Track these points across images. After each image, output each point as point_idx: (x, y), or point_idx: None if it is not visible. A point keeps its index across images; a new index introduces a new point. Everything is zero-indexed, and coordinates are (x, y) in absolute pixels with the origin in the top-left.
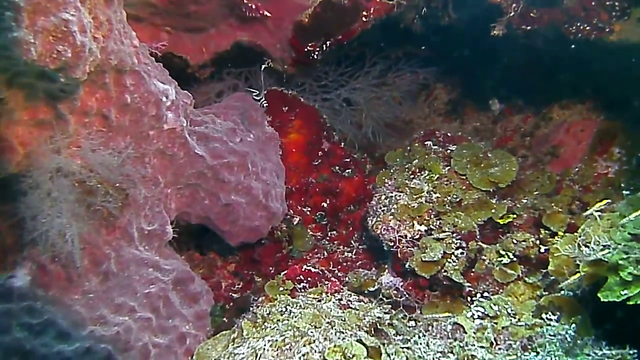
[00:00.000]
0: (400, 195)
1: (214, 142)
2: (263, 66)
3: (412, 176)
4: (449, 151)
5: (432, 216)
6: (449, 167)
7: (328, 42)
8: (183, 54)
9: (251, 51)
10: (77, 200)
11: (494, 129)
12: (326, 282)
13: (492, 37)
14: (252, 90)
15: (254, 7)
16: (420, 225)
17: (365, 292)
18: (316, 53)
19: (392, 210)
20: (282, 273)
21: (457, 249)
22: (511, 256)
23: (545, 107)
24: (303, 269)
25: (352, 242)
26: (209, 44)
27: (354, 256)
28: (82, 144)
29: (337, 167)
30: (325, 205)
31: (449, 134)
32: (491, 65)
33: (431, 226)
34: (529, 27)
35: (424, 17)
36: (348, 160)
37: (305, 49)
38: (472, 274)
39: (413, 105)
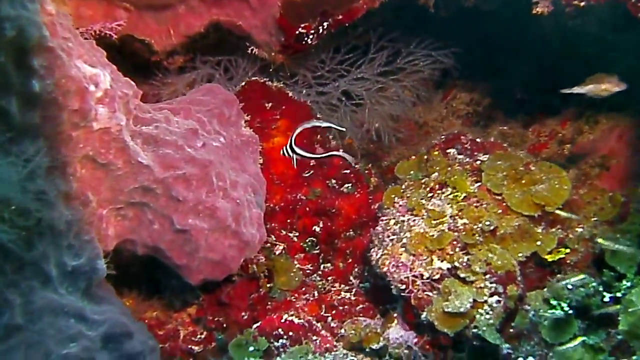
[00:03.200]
0: (414, 220)
1: (165, 148)
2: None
3: (430, 194)
4: (478, 162)
5: (457, 250)
6: (479, 184)
7: (325, 24)
8: (146, 37)
9: (231, 35)
10: None
11: (524, 134)
12: (314, 338)
13: (530, 18)
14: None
15: None
16: (442, 261)
17: (367, 350)
18: (310, 36)
19: (404, 241)
20: (254, 326)
21: (491, 295)
22: (564, 306)
23: (590, 108)
24: (283, 320)
25: (351, 278)
26: (177, 25)
27: (352, 298)
28: None
29: (333, 180)
30: (317, 229)
31: (477, 140)
32: (524, 57)
33: (456, 263)
34: (582, 3)
35: None
36: (347, 171)
37: (297, 32)
38: (511, 330)
39: (428, 104)
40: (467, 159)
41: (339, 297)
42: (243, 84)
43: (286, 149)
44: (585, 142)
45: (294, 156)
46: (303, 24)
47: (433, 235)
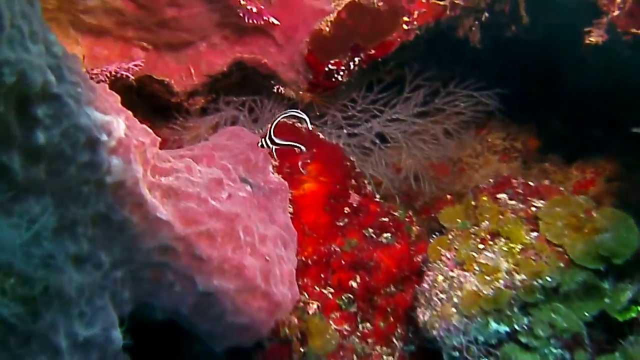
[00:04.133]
0: (465, 276)
1: (187, 201)
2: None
3: (481, 246)
4: (533, 209)
5: (515, 310)
6: (536, 234)
7: (357, 59)
8: (165, 77)
9: (256, 73)
10: None
11: (568, 171)
12: None
13: (574, 48)
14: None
15: (255, 11)
16: (499, 324)
17: None
18: (341, 73)
19: (455, 300)
20: None
21: None
22: None
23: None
24: None
25: (394, 340)
26: (198, 64)
27: None
28: None
29: (370, 230)
30: (354, 284)
31: (530, 183)
32: (565, 88)
33: (516, 326)
34: None
35: (485, 25)
36: (386, 219)
37: (326, 68)
38: None
39: (459, 139)
40: (521, 205)
41: None
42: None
43: (265, 141)
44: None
45: (273, 147)
46: (333, 59)
47: (488, 294)
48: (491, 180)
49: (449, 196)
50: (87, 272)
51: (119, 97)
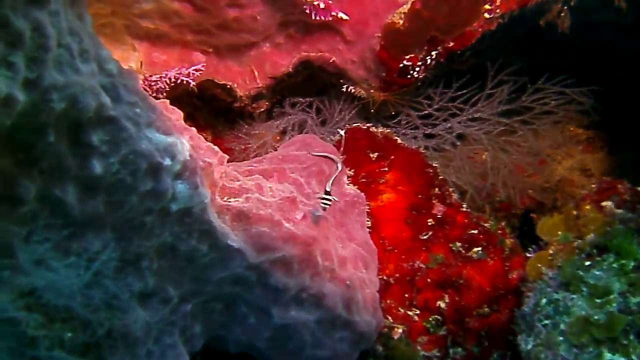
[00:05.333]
0: (572, 299)
1: (259, 225)
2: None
3: (588, 263)
4: None
5: (632, 338)
6: None
7: (434, 53)
8: (228, 82)
9: (323, 72)
10: (12, 353)
11: None
12: None
13: None
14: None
15: (323, 6)
16: (614, 354)
17: None
18: (417, 69)
19: (562, 327)
20: None
21: None
22: None
23: None
24: None
25: None
26: (262, 66)
27: None
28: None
29: (458, 244)
30: (442, 305)
31: (639, 189)
32: None
33: (634, 356)
34: None
35: (575, 10)
36: (475, 231)
37: (401, 65)
38: None
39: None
40: (629, 215)
41: None
42: (343, 132)
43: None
44: None
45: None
46: (408, 54)
47: (599, 320)
48: (593, 185)
49: (530, 191)
50: (154, 308)
51: (181, 114)
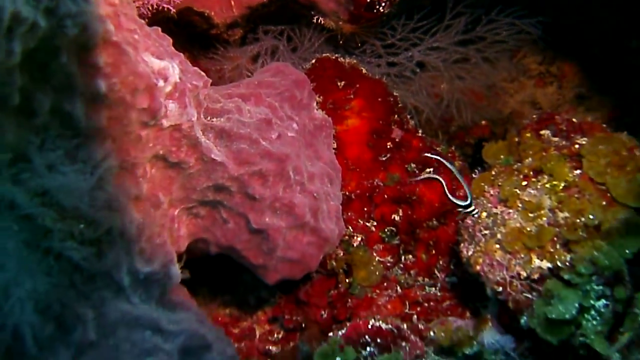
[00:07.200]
0: (509, 213)
1: (239, 142)
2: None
3: (525, 183)
4: (577, 146)
5: (558, 247)
6: (579, 171)
7: None
8: (205, 9)
9: (295, 3)
10: (27, 245)
11: (603, 99)
12: (403, 344)
13: None
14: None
15: None
16: (542, 260)
17: (460, 355)
18: (383, 4)
19: (499, 236)
20: (340, 333)
21: (598, 298)
22: None
23: None
24: (370, 326)
25: (436, 271)
26: None
27: (438, 293)
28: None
29: (413, 165)
30: (397, 218)
31: (574, 120)
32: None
33: (558, 263)
34: None
35: None
36: (429, 154)
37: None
38: (619, 337)
39: (494, 63)
40: (564, 142)
41: (424, 293)
42: (313, 61)
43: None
44: None
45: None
46: None
47: (531, 231)
48: (534, 116)
49: (483, 122)
50: (146, 211)
51: (171, 40)
